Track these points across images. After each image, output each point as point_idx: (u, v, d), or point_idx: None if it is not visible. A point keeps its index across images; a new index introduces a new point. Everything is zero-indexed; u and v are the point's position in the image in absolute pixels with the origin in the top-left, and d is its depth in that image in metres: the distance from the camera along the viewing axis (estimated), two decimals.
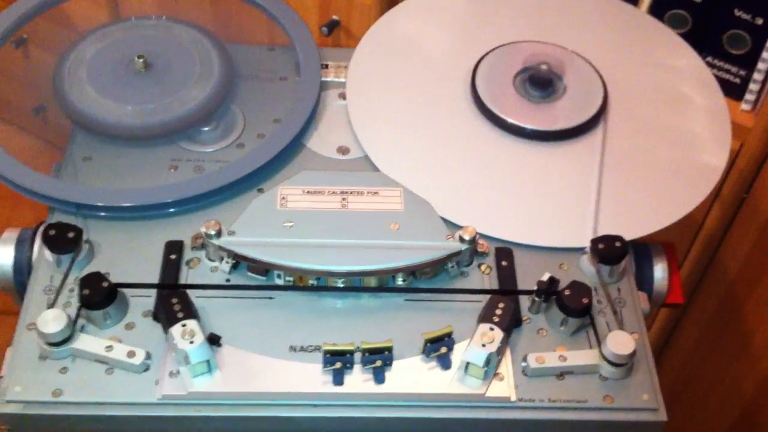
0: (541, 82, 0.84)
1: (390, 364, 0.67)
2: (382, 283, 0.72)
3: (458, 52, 0.89)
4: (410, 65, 0.89)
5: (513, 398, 0.66)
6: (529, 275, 0.73)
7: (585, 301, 0.68)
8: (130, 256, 0.73)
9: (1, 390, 0.66)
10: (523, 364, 0.68)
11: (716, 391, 1.18)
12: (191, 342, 0.64)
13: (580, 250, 0.74)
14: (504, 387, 0.66)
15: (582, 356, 0.68)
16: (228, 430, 0.66)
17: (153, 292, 0.70)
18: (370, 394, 0.66)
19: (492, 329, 0.66)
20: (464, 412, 0.66)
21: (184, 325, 0.65)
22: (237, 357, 0.67)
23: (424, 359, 0.67)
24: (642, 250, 0.78)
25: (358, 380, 0.66)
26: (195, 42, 0.87)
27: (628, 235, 0.73)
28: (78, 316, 0.68)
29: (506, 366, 0.67)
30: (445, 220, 0.74)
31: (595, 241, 0.72)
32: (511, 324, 0.68)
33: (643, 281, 0.77)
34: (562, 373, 0.67)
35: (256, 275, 0.72)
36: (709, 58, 0.99)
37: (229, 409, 0.65)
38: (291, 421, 0.66)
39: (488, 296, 0.69)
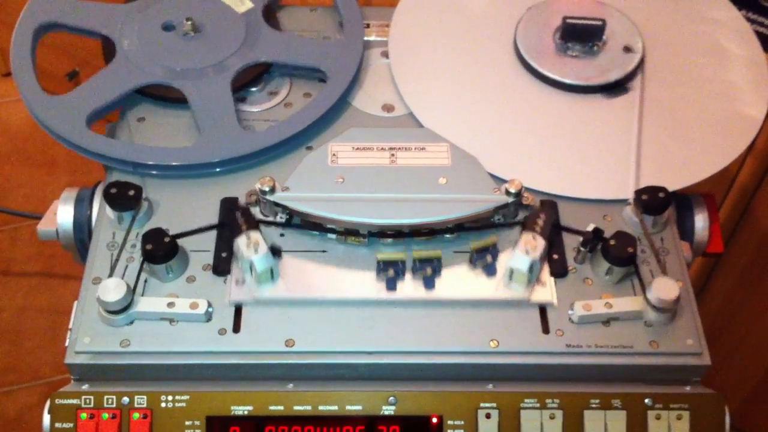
0: (581, 37, 0.85)
1: (439, 272, 0.71)
2: (431, 236, 0.74)
3: (499, 7, 0.91)
4: (450, 22, 0.90)
5: (555, 303, 0.70)
6: (573, 227, 0.75)
7: (630, 250, 0.70)
8: (187, 213, 0.75)
9: (71, 342, 0.69)
10: (570, 311, 0.70)
11: (750, 338, 1.20)
12: (256, 251, 0.68)
13: (623, 202, 0.76)
14: (546, 292, 0.70)
15: (627, 303, 0.70)
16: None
17: (212, 247, 0.73)
18: (421, 298, 0.70)
19: (534, 237, 0.69)
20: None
21: (248, 237, 0.69)
22: (297, 266, 0.71)
23: (470, 268, 0.71)
24: (683, 201, 0.80)
25: (410, 287, 0.71)
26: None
27: (670, 187, 0.75)
28: (139, 275, 0.70)
29: (547, 274, 0.71)
30: (490, 175, 0.76)
31: (639, 192, 0.74)
32: (552, 233, 0.72)
33: (685, 231, 0.79)
34: (608, 320, 0.70)
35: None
36: (743, 11, 0.99)
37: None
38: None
39: None
